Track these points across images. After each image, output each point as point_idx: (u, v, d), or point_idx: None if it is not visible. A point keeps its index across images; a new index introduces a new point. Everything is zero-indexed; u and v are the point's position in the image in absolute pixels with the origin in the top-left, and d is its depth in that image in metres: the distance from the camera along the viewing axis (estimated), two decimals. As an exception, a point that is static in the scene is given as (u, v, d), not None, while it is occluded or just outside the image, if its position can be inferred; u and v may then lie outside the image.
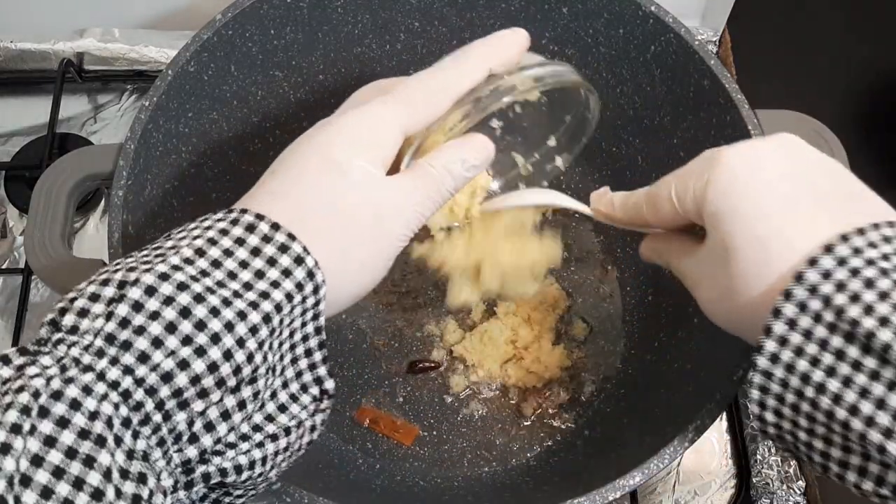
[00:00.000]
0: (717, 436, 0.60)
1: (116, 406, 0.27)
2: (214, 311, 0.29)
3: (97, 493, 0.26)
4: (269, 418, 0.33)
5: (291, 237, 0.32)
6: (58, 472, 0.25)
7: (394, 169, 0.36)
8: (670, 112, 0.55)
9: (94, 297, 0.29)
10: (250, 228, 0.32)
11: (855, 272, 0.30)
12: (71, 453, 0.26)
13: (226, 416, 0.30)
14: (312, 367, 0.34)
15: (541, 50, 0.56)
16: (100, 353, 0.28)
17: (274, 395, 0.33)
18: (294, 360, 0.34)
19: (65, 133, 0.69)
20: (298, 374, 0.34)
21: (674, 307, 0.57)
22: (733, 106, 0.49)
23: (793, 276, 0.31)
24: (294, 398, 0.34)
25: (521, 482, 0.56)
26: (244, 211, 0.33)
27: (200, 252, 0.31)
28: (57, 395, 0.26)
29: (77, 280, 0.47)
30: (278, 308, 0.31)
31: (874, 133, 0.74)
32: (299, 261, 0.32)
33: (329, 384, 0.35)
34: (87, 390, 0.27)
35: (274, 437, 0.33)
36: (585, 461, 0.55)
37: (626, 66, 0.56)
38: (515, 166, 0.47)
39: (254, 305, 0.30)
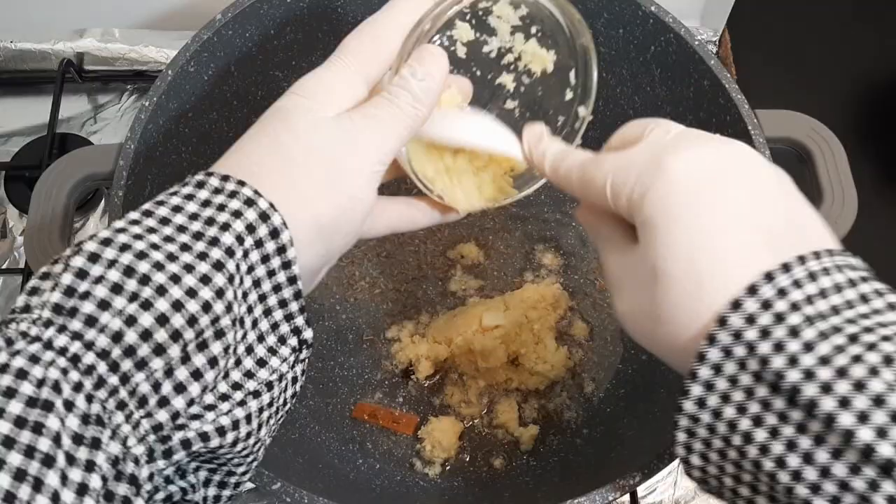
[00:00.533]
0: (717, 436, 0.60)
1: (65, 371, 0.27)
2: (158, 266, 0.29)
3: (47, 459, 0.25)
4: (249, 374, 0.32)
5: (241, 184, 0.32)
6: (7, 442, 0.25)
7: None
8: (670, 112, 0.55)
9: (45, 276, 0.29)
10: (200, 185, 0.32)
11: (779, 318, 0.28)
12: (20, 422, 0.25)
13: (196, 375, 0.29)
14: (289, 317, 0.33)
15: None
16: (47, 324, 0.27)
17: (250, 349, 0.32)
18: (267, 312, 0.32)
19: (65, 133, 0.69)
20: (274, 326, 0.33)
21: (674, 307, 0.57)
22: (733, 106, 0.49)
23: (717, 319, 0.29)
24: (273, 351, 0.33)
25: (521, 482, 0.56)
26: (195, 173, 0.32)
27: (147, 213, 0.31)
28: (3, 368, 0.26)
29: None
30: (230, 252, 0.30)
31: (874, 133, 0.74)
32: (250, 203, 0.31)
33: (307, 333, 0.34)
34: (34, 359, 0.26)
35: (256, 394, 0.32)
36: (585, 461, 0.55)
37: (626, 66, 0.56)
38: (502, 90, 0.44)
39: (202, 256, 0.30)
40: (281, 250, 0.32)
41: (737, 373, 0.29)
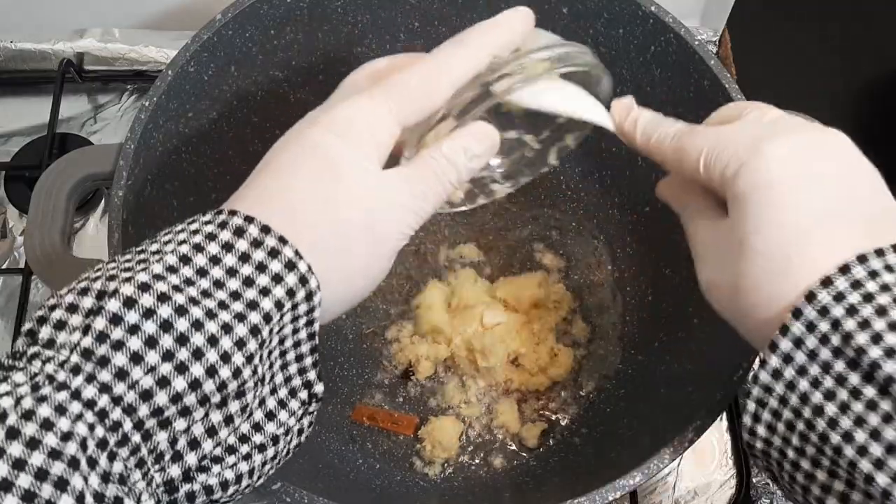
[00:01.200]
0: (717, 436, 0.60)
1: (91, 427, 0.26)
2: (197, 325, 0.28)
3: None
4: (257, 427, 0.31)
5: (283, 241, 0.30)
6: (28, 497, 0.24)
7: (393, 163, 0.34)
8: (670, 112, 0.54)
9: (72, 308, 0.28)
10: (239, 232, 0.30)
11: (868, 297, 0.29)
12: (42, 475, 0.24)
13: (211, 432, 0.29)
14: (302, 371, 0.33)
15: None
16: (75, 370, 0.26)
17: (262, 402, 0.31)
18: (284, 366, 0.32)
19: (65, 133, 0.69)
20: (288, 380, 0.32)
21: (673, 307, 0.57)
22: (733, 106, 0.49)
23: (805, 294, 0.30)
24: (283, 404, 0.32)
25: (521, 482, 0.56)
26: (233, 213, 0.31)
27: (185, 259, 0.29)
28: (28, 415, 0.25)
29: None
30: (267, 318, 0.29)
31: (874, 133, 0.74)
32: (291, 266, 0.30)
33: (318, 388, 0.33)
34: (60, 409, 0.25)
35: (261, 448, 0.31)
36: (585, 461, 0.55)
37: (626, 66, 0.56)
38: (522, 145, 0.44)
39: (240, 317, 0.29)
40: (310, 311, 0.31)
41: (817, 347, 0.30)
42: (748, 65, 0.73)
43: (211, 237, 0.30)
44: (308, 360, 0.33)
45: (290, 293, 0.30)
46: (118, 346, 0.27)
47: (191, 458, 0.29)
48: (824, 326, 0.30)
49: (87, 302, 0.28)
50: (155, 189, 0.50)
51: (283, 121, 0.58)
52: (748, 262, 0.32)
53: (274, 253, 0.30)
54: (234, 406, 0.29)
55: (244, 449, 0.30)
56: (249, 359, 0.29)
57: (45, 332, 0.27)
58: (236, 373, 0.28)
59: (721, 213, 0.35)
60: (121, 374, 0.27)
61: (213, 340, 0.28)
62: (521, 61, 0.35)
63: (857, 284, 0.30)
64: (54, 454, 0.25)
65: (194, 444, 0.29)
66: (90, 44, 0.70)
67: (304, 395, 0.33)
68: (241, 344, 0.29)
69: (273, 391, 0.32)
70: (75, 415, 0.26)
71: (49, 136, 0.66)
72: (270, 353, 0.31)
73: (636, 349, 0.60)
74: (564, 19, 0.56)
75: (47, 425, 0.25)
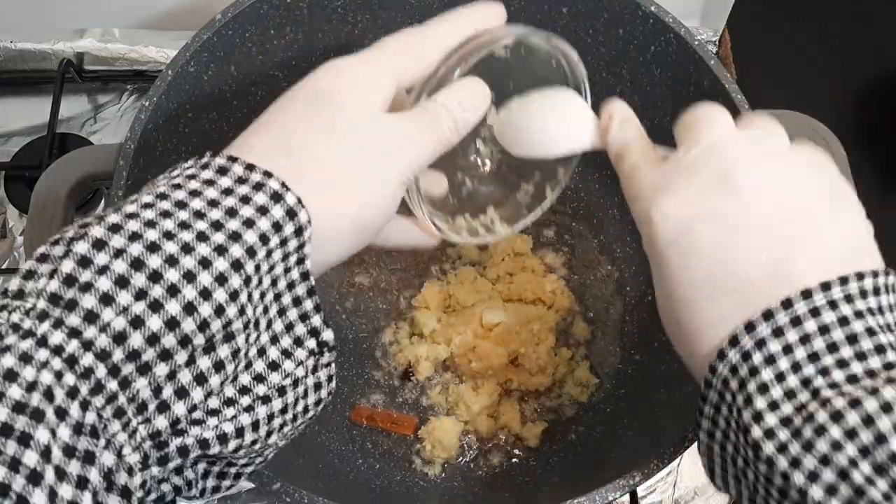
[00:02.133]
0: (717, 436, 0.60)
1: (59, 374, 0.24)
2: (171, 260, 0.26)
3: (34, 475, 0.22)
4: (259, 378, 0.29)
5: (268, 174, 0.29)
6: None
7: None
8: (670, 112, 0.54)
9: (43, 258, 0.26)
10: (222, 171, 0.29)
11: (754, 371, 0.29)
12: (6, 430, 0.22)
13: (200, 379, 0.27)
14: (304, 317, 0.31)
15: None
16: (42, 316, 0.25)
17: (263, 351, 0.29)
18: (282, 312, 0.30)
19: (65, 133, 0.69)
20: (289, 327, 0.30)
21: (674, 307, 0.57)
22: (733, 106, 0.49)
23: (705, 376, 0.31)
24: (287, 353, 0.30)
25: (521, 482, 0.56)
26: (215, 155, 0.30)
27: (162, 196, 0.28)
28: None
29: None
30: (251, 252, 0.28)
31: (874, 133, 0.74)
32: (277, 198, 0.29)
33: (327, 334, 0.32)
34: (25, 358, 0.24)
35: (265, 399, 0.29)
36: (585, 461, 0.55)
37: (626, 66, 0.56)
38: (516, 189, 0.45)
39: (220, 250, 0.27)
40: (300, 247, 0.30)
41: (726, 418, 0.31)
42: (748, 65, 0.73)
43: (191, 177, 0.29)
44: (308, 304, 0.31)
45: (277, 226, 0.28)
46: (86, 287, 0.25)
47: (179, 408, 0.27)
48: (724, 405, 0.31)
49: (58, 250, 0.26)
50: (155, 189, 0.50)
51: (283, 121, 0.58)
52: (664, 315, 0.34)
53: (258, 186, 0.29)
54: (223, 351, 0.27)
55: (245, 400, 0.29)
56: (233, 296, 0.27)
57: (13, 285, 0.26)
58: (219, 310, 0.27)
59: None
60: (90, 317, 0.25)
61: (189, 276, 0.26)
62: (495, 31, 0.37)
63: (746, 356, 0.30)
64: (18, 407, 0.23)
65: (182, 393, 0.27)
66: (90, 44, 0.70)
67: (311, 343, 0.31)
68: (221, 279, 0.27)
69: (274, 339, 0.30)
70: (41, 362, 0.24)
71: (49, 136, 0.66)
72: (263, 295, 0.29)
73: (636, 349, 0.60)
74: (564, 19, 0.56)
75: (11, 376, 0.23)
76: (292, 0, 0.53)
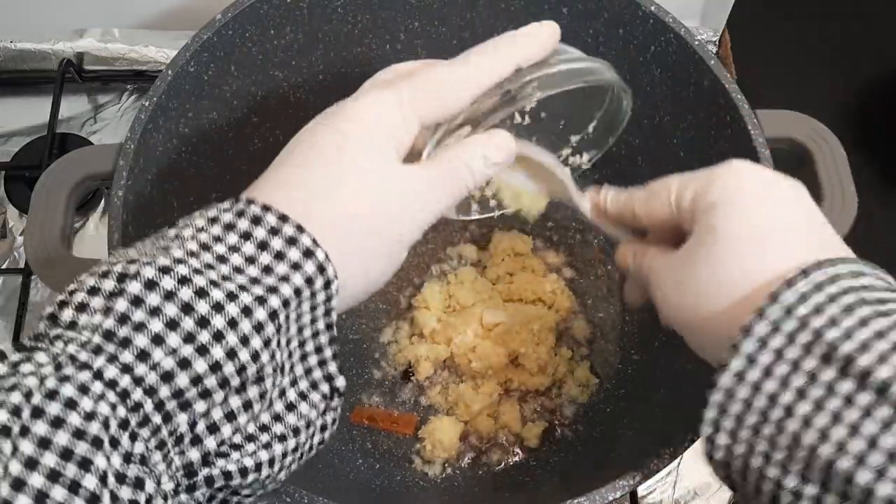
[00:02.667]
0: (717, 436, 0.60)
1: (114, 406, 0.26)
2: (217, 307, 0.28)
3: (93, 498, 0.25)
4: (277, 418, 0.31)
5: (300, 229, 0.31)
6: (53, 476, 0.24)
7: (412, 160, 0.35)
8: (670, 112, 0.55)
9: (94, 291, 0.28)
10: (256, 221, 0.31)
11: (832, 298, 0.29)
12: (66, 455, 0.24)
13: (230, 417, 0.29)
14: (322, 363, 0.33)
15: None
16: (97, 350, 0.27)
17: (283, 393, 0.32)
18: (303, 357, 0.32)
19: (65, 133, 0.69)
20: (308, 371, 0.32)
21: (674, 307, 0.57)
22: (733, 106, 0.49)
23: (768, 295, 0.30)
24: (303, 396, 0.32)
25: (520, 482, 0.56)
26: (250, 201, 0.31)
27: (205, 247, 0.30)
28: (52, 395, 0.25)
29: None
30: (286, 304, 0.30)
31: (874, 133, 0.74)
32: (308, 254, 0.30)
33: (340, 381, 0.33)
34: (83, 389, 0.26)
35: (282, 438, 0.31)
36: (585, 461, 0.55)
37: (626, 66, 0.56)
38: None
39: (261, 301, 0.29)
40: (328, 299, 0.31)
41: (784, 346, 0.29)
42: (748, 65, 0.73)
43: (229, 227, 0.31)
44: (328, 352, 0.33)
45: (309, 281, 0.30)
46: (140, 327, 0.27)
47: (210, 442, 0.29)
48: (790, 325, 0.29)
49: (108, 285, 0.28)
50: (155, 189, 0.50)
51: (283, 121, 0.58)
52: (710, 262, 0.33)
53: (292, 241, 0.30)
54: (252, 391, 0.29)
55: (264, 438, 0.31)
56: (267, 343, 0.29)
57: (66, 315, 0.28)
58: (255, 356, 0.29)
59: (677, 248, 0.36)
60: (142, 356, 0.27)
61: (232, 323, 0.28)
62: (544, 71, 0.35)
63: (819, 286, 0.30)
64: (78, 434, 0.25)
65: (213, 429, 0.29)
66: (90, 44, 0.70)
67: (325, 388, 0.33)
68: (259, 328, 0.29)
69: (293, 382, 0.32)
70: (98, 395, 0.26)
71: (49, 136, 0.66)
72: (289, 341, 0.31)
73: (636, 349, 0.60)
74: (564, 19, 0.56)
75: (71, 405, 0.25)
76: (292, 0, 0.53)
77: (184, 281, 0.28)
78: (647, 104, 0.57)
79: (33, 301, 0.63)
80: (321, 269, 0.31)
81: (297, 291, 0.30)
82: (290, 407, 0.32)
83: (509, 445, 0.58)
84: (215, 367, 0.28)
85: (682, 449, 0.42)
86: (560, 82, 0.36)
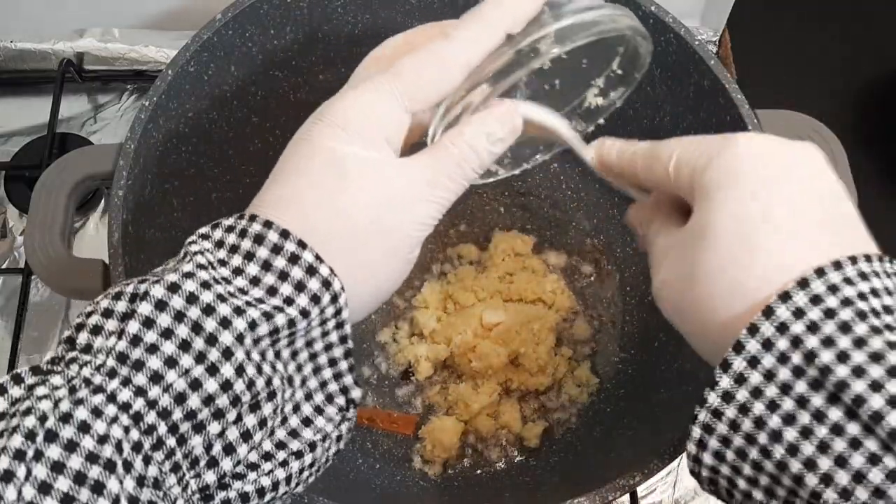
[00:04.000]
0: (717, 436, 0.60)
1: (127, 429, 0.26)
2: (225, 323, 0.28)
3: None
4: (294, 434, 0.31)
5: (302, 245, 0.30)
6: (66, 500, 0.24)
7: (415, 147, 0.34)
8: (670, 112, 0.55)
9: (108, 313, 0.28)
10: (259, 240, 0.30)
11: (829, 313, 0.27)
12: (80, 479, 0.24)
13: (246, 436, 0.29)
14: (338, 376, 0.32)
15: (541, 50, 0.57)
16: (111, 374, 0.27)
17: (297, 408, 0.31)
18: (317, 370, 0.32)
19: (65, 133, 0.69)
20: (322, 385, 0.32)
21: (674, 307, 0.57)
22: (733, 106, 0.49)
23: (762, 309, 0.28)
24: (319, 410, 0.32)
25: (521, 482, 0.56)
26: (253, 218, 0.31)
27: (212, 266, 0.30)
28: (66, 418, 0.25)
29: (77, 280, 0.47)
30: (292, 323, 0.29)
31: (874, 133, 0.74)
32: (312, 271, 0.30)
33: (356, 393, 0.33)
34: (96, 412, 0.26)
35: (299, 455, 0.31)
36: (585, 461, 0.55)
37: (626, 66, 0.56)
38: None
39: (268, 316, 0.29)
40: (337, 313, 0.31)
41: (775, 367, 0.28)
42: (748, 65, 0.73)
43: (233, 249, 0.30)
44: (343, 365, 0.32)
45: (315, 298, 0.30)
46: (152, 349, 0.27)
47: (226, 464, 0.28)
48: (783, 344, 0.28)
49: (121, 306, 0.28)
50: (155, 189, 0.50)
51: (283, 121, 0.58)
52: (707, 250, 0.31)
53: (294, 258, 0.30)
54: (267, 409, 0.29)
55: (281, 455, 0.30)
56: (265, 356, 0.29)
57: (82, 338, 0.28)
58: (259, 369, 0.29)
59: (683, 223, 0.33)
60: (155, 378, 0.27)
61: (240, 338, 0.28)
62: (552, 26, 0.33)
63: (816, 300, 0.28)
64: (91, 457, 0.25)
65: (229, 449, 0.28)
66: (90, 44, 0.70)
67: (341, 400, 0.32)
68: (258, 341, 0.29)
69: (308, 396, 0.31)
70: (111, 418, 0.26)
71: (49, 136, 0.66)
72: (296, 353, 0.31)
73: (636, 349, 0.60)
74: (564, 19, 0.56)
75: (84, 428, 0.25)
76: (292, 0, 0.53)
77: (191, 299, 0.28)
78: (647, 104, 0.57)
79: (33, 301, 0.63)
80: (326, 284, 0.30)
81: (304, 312, 0.30)
82: (307, 421, 0.31)
83: (509, 445, 0.58)
84: (226, 386, 0.28)
85: (682, 449, 0.42)
86: (572, 35, 0.33)
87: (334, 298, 0.30)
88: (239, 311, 0.28)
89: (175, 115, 0.51)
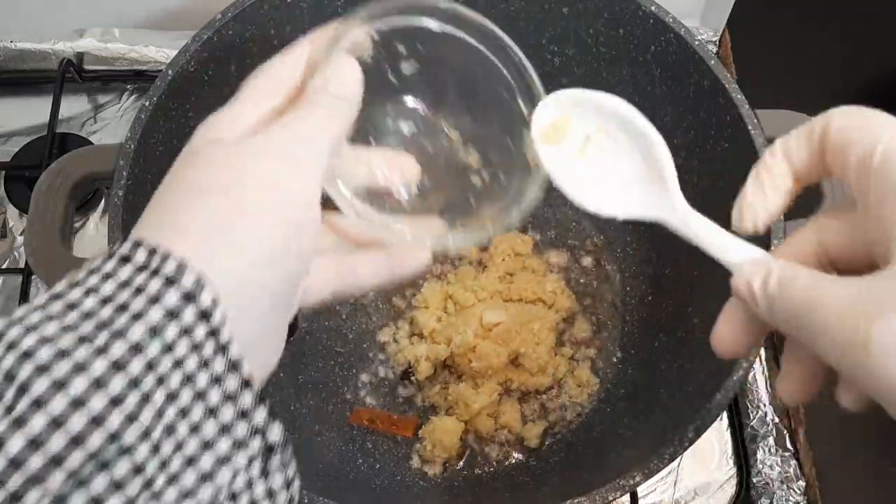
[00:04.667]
0: (717, 436, 0.60)
1: None
2: (41, 369, 0.23)
3: None
4: (187, 495, 0.24)
5: (166, 257, 0.26)
6: None
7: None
8: (670, 112, 0.55)
9: None
10: (124, 260, 0.26)
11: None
12: None
13: (96, 502, 0.23)
14: (243, 414, 0.26)
15: (541, 50, 0.57)
16: None
17: (192, 461, 0.25)
18: (212, 412, 0.25)
19: (65, 133, 0.69)
20: (224, 429, 0.26)
21: (673, 307, 0.57)
22: (733, 106, 0.49)
23: None
24: (225, 461, 0.25)
25: (521, 482, 0.56)
26: (122, 240, 0.28)
27: (55, 296, 0.26)
28: None
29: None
30: (136, 349, 0.24)
31: (874, 133, 0.74)
32: (170, 282, 0.25)
33: (274, 434, 0.27)
34: None
35: None
36: (585, 461, 0.55)
37: (626, 66, 0.56)
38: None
39: (100, 352, 0.23)
40: (211, 333, 0.25)
41: None
42: (748, 65, 0.73)
43: (93, 271, 0.27)
44: (246, 399, 0.26)
45: (171, 314, 0.25)
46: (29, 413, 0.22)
47: None
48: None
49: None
50: (155, 189, 0.50)
51: (283, 121, 0.58)
52: None
53: (155, 272, 0.26)
54: (120, 469, 0.23)
55: None
56: (115, 401, 0.23)
57: None
58: (96, 420, 0.23)
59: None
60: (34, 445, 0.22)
61: (58, 385, 0.23)
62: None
63: None
64: None
65: None
66: (90, 44, 0.70)
67: (256, 444, 0.27)
68: (98, 384, 0.23)
69: (206, 445, 0.25)
70: None
71: (49, 136, 0.66)
72: (173, 396, 0.24)
73: (636, 349, 0.60)
74: (564, 19, 0.56)
75: None
76: (292, 0, 0.53)
77: (12, 346, 0.23)
78: (647, 104, 0.57)
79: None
80: (188, 297, 0.25)
81: (153, 331, 0.24)
82: (205, 477, 0.25)
83: (509, 445, 0.58)
84: (36, 444, 0.22)
85: (682, 449, 0.42)
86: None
87: (204, 315, 0.25)
88: (62, 354, 0.23)
89: (175, 115, 0.51)
